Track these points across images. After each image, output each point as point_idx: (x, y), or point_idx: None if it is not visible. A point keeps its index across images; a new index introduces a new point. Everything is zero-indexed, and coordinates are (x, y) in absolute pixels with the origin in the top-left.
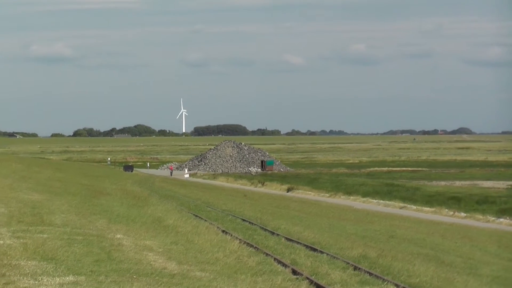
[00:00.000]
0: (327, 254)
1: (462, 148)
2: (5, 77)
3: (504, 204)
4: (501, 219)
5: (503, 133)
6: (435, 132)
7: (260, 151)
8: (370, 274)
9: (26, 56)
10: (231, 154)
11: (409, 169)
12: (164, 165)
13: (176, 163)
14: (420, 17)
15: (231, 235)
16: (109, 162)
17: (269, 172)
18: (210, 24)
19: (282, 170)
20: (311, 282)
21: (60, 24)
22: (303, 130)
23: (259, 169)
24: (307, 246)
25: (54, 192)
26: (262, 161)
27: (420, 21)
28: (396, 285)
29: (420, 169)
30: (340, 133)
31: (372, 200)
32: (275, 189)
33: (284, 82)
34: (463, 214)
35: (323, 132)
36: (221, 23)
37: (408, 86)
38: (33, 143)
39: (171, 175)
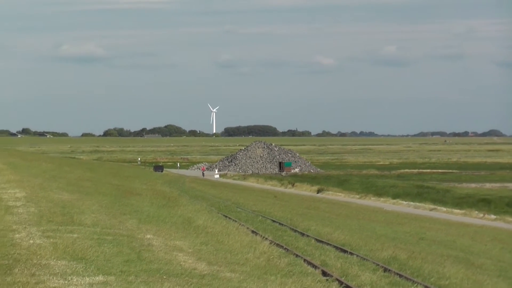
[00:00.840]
0: (357, 256)
1: (493, 150)
2: (36, 76)
3: None
4: None
5: None
6: (465, 134)
7: (290, 152)
8: (400, 276)
9: (57, 55)
10: (262, 155)
11: (439, 171)
12: (194, 165)
13: (207, 163)
14: (452, 19)
15: (261, 236)
16: (139, 162)
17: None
18: (241, 25)
19: (312, 171)
20: (341, 283)
21: (92, 24)
22: (334, 131)
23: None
24: (337, 248)
25: (84, 192)
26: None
27: (452, 23)
28: (426, 287)
29: (450, 171)
30: (371, 134)
31: (402, 201)
32: (305, 190)
33: (315, 83)
34: (493, 216)
35: (353, 134)
36: (253, 24)
37: (439, 87)
38: (64, 142)
39: (203, 175)
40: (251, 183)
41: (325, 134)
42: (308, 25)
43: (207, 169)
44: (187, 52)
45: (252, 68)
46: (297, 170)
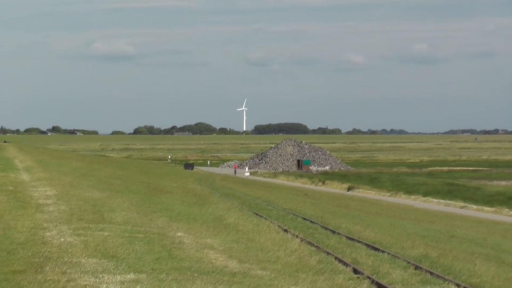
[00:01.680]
0: (388, 253)
1: None
2: (67, 74)
3: None
4: None
5: None
6: (495, 131)
7: (320, 149)
8: (431, 273)
9: (87, 53)
10: (292, 153)
11: (470, 168)
12: (225, 163)
13: (237, 161)
14: (482, 16)
15: (292, 233)
16: (169, 160)
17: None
18: (271, 23)
19: (342, 169)
20: (372, 281)
21: (122, 22)
22: (364, 129)
23: (320, 168)
24: (368, 245)
25: (115, 189)
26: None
27: (482, 20)
28: (457, 284)
29: (481, 168)
30: (401, 132)
31: (433, 199)
32: (336, 188)
33: (346, 81)
34: None
35: (384, 131)
36: (283, 22)
37: (469, 85)
38: (94, 140)
39: (235, 173)
40: (282, 181)
41: (355, 132)
42: (339, 23)
43: (238, 167)
44: (218, 50)
45: (282, 66)
46: (327, 168)
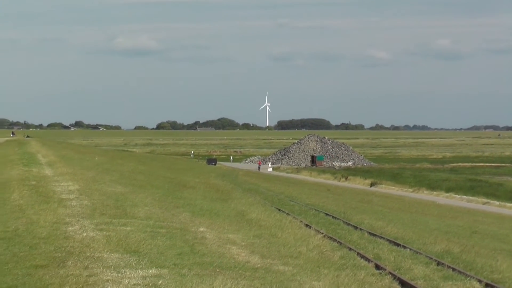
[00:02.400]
0: (410, 249)
1: None
2: (90, 69)
3: None
4: None
5: None
6: None
7: (343, 145)
8: (453, 269)
9: (111, 48)
10: (315, 148)
11: (493, 164)
12: (248, 158)
13: (260, 156)
14: (505, 12)
15: (315, 229)
16: (192, 155)
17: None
18: (296, 18)
19: (365, 164)
20: (394, 277)
21: (145, 16)
22: (387, 125)
23: (343, 164)
24: (390, 241)
25: (137, 184)
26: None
27: (505, 16)
28: (479, 280)
29: (503, 165)
30: (424, 128)
31: (455, 195)
32: (358, 184)
33: (369, 76)
34: None
35: (406, 127)
36: (307, 18)
37: (492, 81)
38: (117, 135)
39: (259, 169)
40: (304, 176)
41: (378, 127)
42: (362, 19)
43: (257, 162)
44: (241, 45)
45: (306, 61)
46: (350, 163)
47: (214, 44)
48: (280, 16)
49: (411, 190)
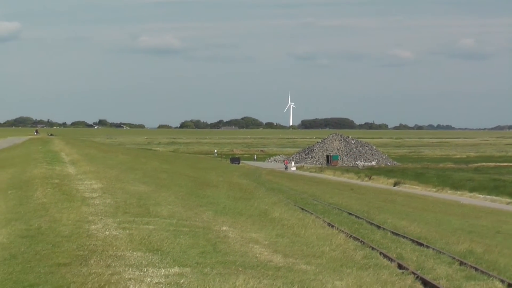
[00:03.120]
0: (433, 249)
1: None
2: (113, 68)
3: None
4: None
5: None
6: None
7: (367, 145)
8: (476, 269)
9: (134, 47)
10: (338, 148)
11: None
12: (271, 157)
13: (283, 155)
14: None
15: (338, 228)
16: (215, 154)
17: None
18: (320, 18)
19: (388, 164)
20: (417, 276)
21: (169, 15)
22: (411, 124)
23: (366, 163)
24: (413, 241)
25: (161, 183)
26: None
27: None
28: (501, 281)
29: None
30: (448, 127)
31: (479, 195)
32: (382, 183)
33: (392, 76)
34: None
35: (430, 127)
36: (331, 17)
37: None
38: (140, 134)
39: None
40: (328, 175)
41: (402, 127)
42: (386, 18)
43: (283, 161)
44: (265, 44)
45: (330, 61)
46: (373, 163)
47: (238, 43)
48: (304, 15)
49: (434, 189)
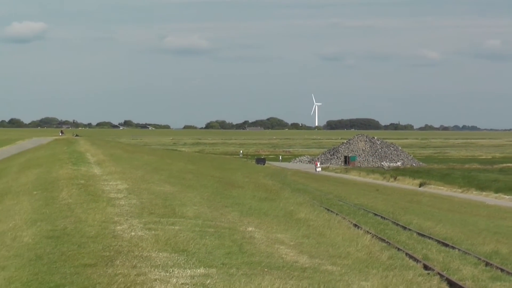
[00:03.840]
0: (459, 250)
1: None
2: (139, 68)
3: None
4: None
5: None
6: None
7: (392, 145)
8: (502, 270)
9: (161, 47)
10: (364, 148)
11: None
12: (297, 158)
13: (309, 156)
14: None
15: (363, 229)
16: (241, 155)
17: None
18: (347, 18)
19: (414, 165)
20: (443, 277)
21: (196, 16)
22: (436, 125)
23: (392, 164)
24: (439, 241)
25: (186, 184)
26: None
27: None
28: None
29: None
30: (473, 128)
31: (505, 196)
32: (407, 184)
33: (418, 76)
34: None
35: (456, 127)
36: (358, 17)
37: None
38: (166, 134)
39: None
40: (353, 176)
41: (427, 128)
42: (413, 18)
43: (309, 162)
44: (291, 44)
45: (356, 61)
46: (399, 163)
47: (264, 44)
48: (331, 16)
49: (460, 190)
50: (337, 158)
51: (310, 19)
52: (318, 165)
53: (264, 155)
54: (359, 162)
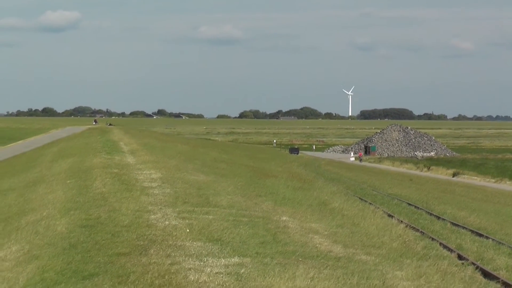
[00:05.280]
0: (493, 240)
1: None
2: (173, 58)
3: None
4: None
5: None
6: None
7: (426, 135)
8: None
9: (194, 37)
10: (397, 138)
11: None
12: (330, 148)
13: (342, 146)
14: None
15: (397, 219)
16: (274, 145)
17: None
18: (380, 8)
19: (447, 154)
20: (477, 267)
21: (230, 5)
22: (470, 115)
23: (425, 154)
24: (472, 231)
25: (220, 173)
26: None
27: None
28: None
29: None
30: (507, 118)
31: None
32: (441, 174)
33: (452, 66)
34: None
35: (489, 117)
36: (391, 7)
37: None
38: (199, 124)
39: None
40: (387, 166)
41: (461, 117)
42: (447, 9)
43: (343, 152)
44: (325, 34)
45: (389, 51)
46: (432, 153)
47: (297, 34)
48: (365, 6)
49: (493, 180)
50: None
51: (343, 9)
52: (351, 154)
53: (298, 144)
54: (393, 151)
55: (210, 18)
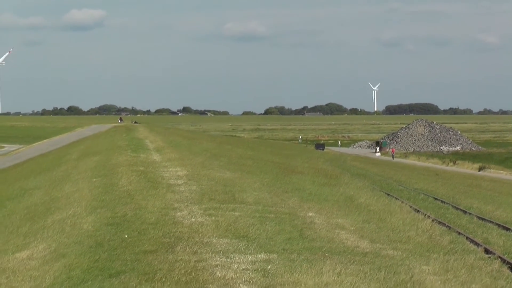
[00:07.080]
0: None
1: None
2: (198, 55)
3: None
4: None
5: None
6: None
7: (451, 130)
8: None
9: (220, 34)
10: (423, 133)
11: None
12: (356, 143)
13: (368, 141)
14: None
15: (423, 213)
16: (300, 141)
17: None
18: (406, 3)
19: (473, 149)
20: (504, 261)
21: (255, 2)
22: (495, 109)
23: (451, 148)
24: (499, 225)
25: (246, 170)
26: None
27: None
28: None
29: None
30: None
31: None
32: (467, 168)
33: (478, 61)
34: None
35: None
36: (417, 2)
37: None
38: (224, 121)
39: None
40: (412, 161)
41: (486, 112)
42: (473, 3)
43: (368, 147)
44: (351, 30)
45: (415, 46)
46: (458, 148)
47: (323, 29)
48: (391, 1)
49: None
50: (396, 143)
51: (369, 5)
52: (377, 150)
53: (323, 140)
54: (418, 146)
55: (235, 15)
